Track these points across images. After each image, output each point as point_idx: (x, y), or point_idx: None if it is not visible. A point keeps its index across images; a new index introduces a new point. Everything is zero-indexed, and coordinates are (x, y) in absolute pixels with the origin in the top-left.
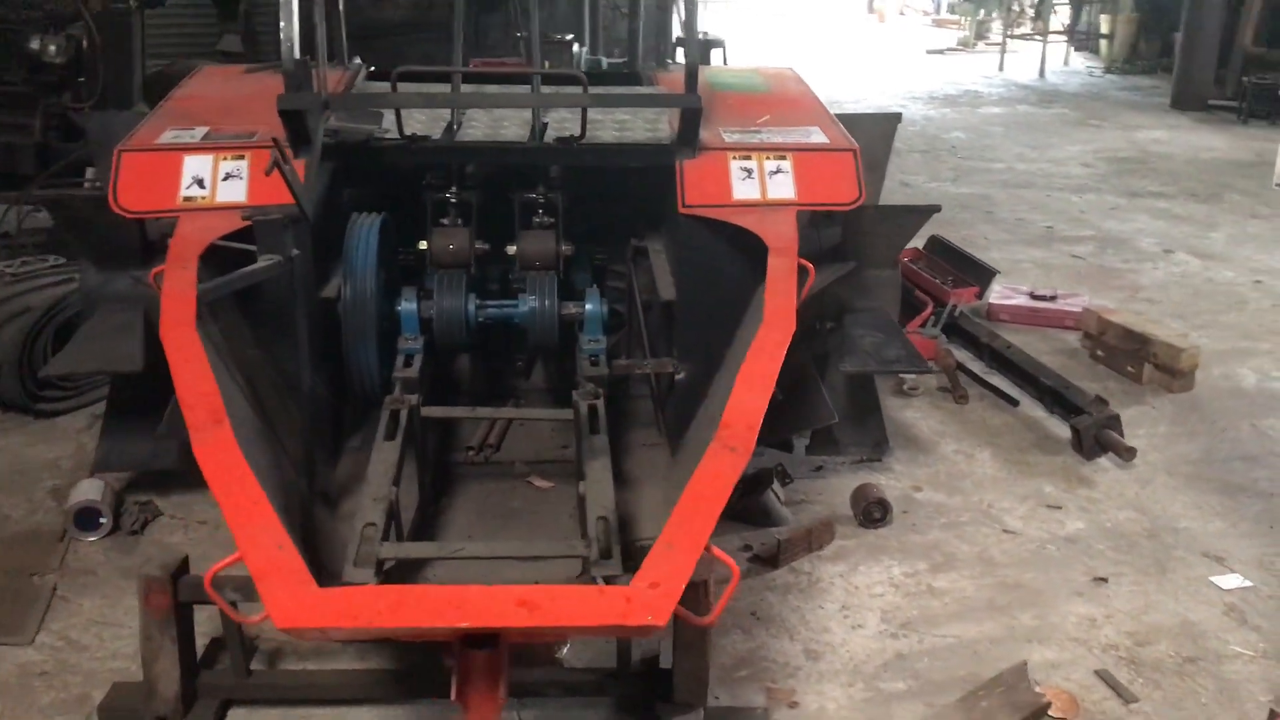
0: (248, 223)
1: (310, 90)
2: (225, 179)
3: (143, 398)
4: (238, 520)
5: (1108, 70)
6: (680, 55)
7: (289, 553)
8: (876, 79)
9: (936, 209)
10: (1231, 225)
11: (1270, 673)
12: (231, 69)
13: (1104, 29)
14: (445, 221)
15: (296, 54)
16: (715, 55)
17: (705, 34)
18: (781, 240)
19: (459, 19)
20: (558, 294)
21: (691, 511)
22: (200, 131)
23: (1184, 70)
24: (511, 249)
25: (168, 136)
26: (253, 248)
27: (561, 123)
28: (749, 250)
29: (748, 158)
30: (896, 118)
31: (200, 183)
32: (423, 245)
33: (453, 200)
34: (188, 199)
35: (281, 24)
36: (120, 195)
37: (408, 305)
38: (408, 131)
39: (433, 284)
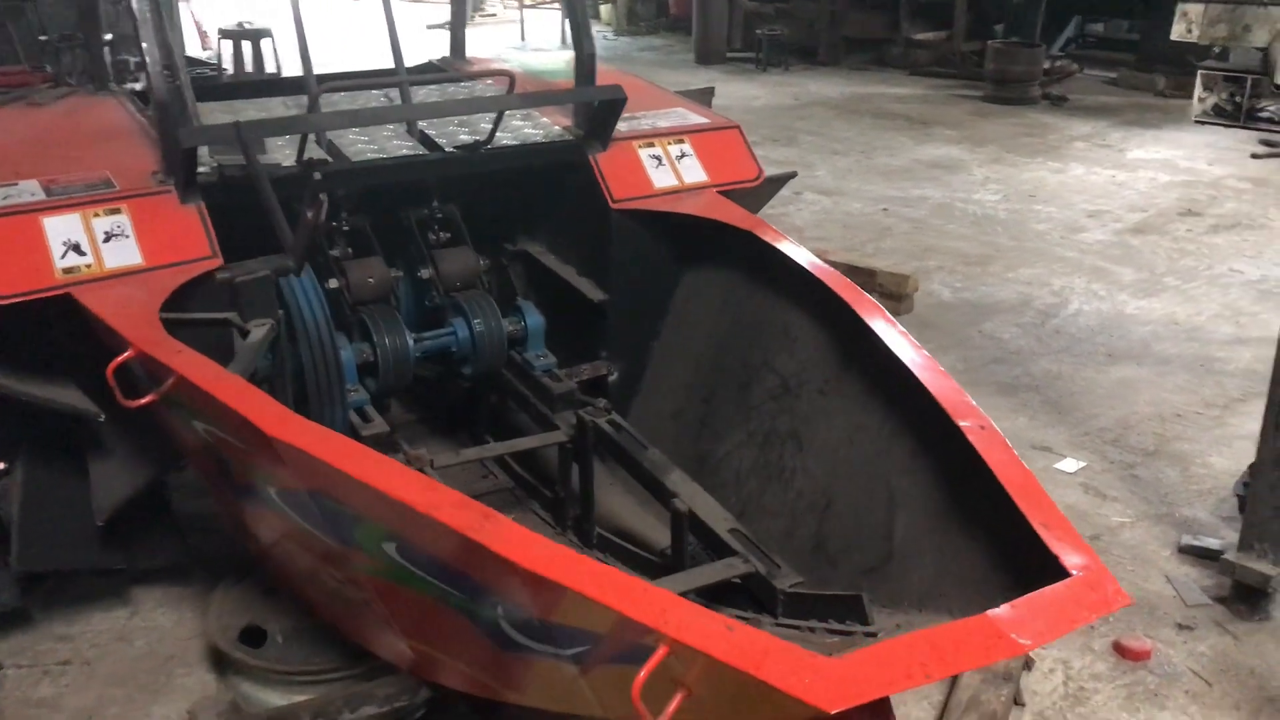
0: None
1: (189, 120)
2: (106, 240)
3: None
4: (639, 602)
5: (619, 34)
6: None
7: (749, 629)
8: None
9: (793, 174)
10: (825, 164)
11: (1155, 530)
12: None
13: None
14: (348, 253)
15: (174, 79)
16: (265, 46)
17: (249, 23)
18: (749, 220)
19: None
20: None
21: (1033, 499)
22: (31, 185)
23: (702, 29)
24: (425, 272)
25: None
26: (207, 315)
27: (437, 129)
28: (677, 240)
29: (651, 145)
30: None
31: (77, 248)
32: (333, 283)
33: (345, 229)
34: (68, 270)
35: (144, 44)
36: None
37: (345, 353)
38: (280, 159)
39: (367, 325)
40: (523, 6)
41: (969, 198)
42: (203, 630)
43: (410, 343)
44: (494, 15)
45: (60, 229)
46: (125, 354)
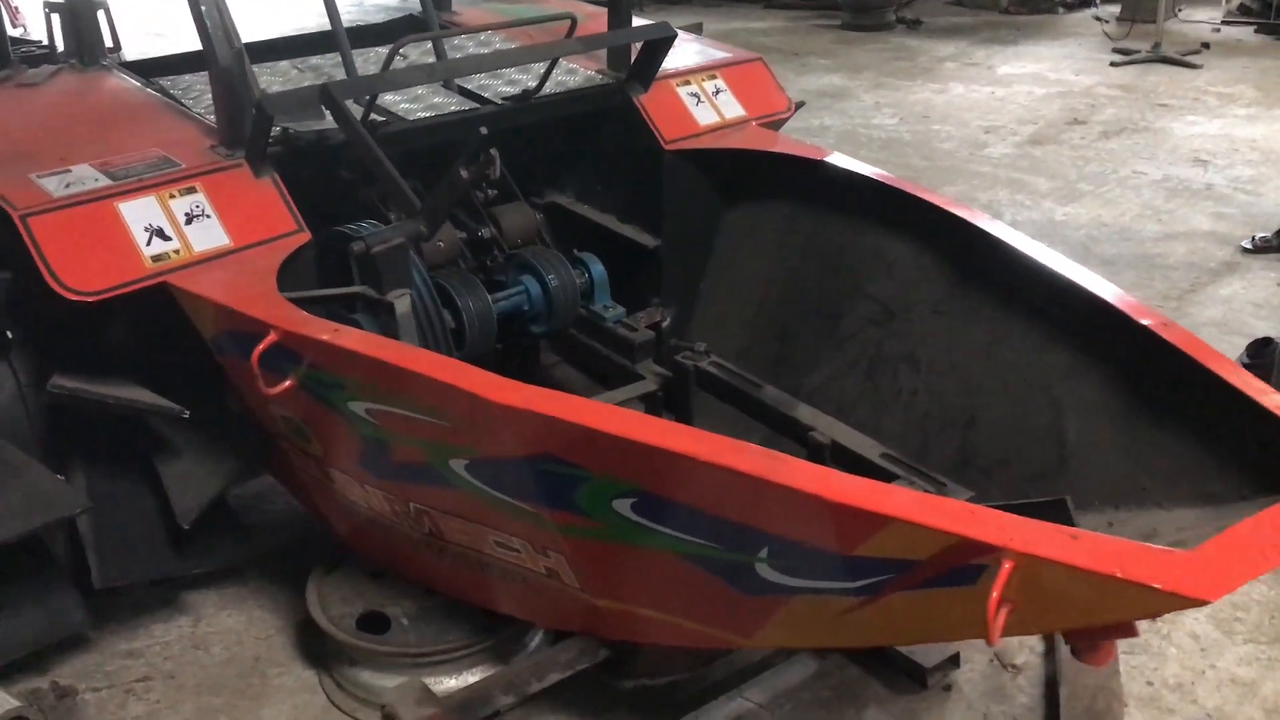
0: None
1: (247, 85)
2: (189, 223)
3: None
4: (975, 523)
5: None
6: None
7: (1090, 535)
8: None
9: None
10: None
11: None
12: None
13: None
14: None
15: (233, 43)
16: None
17: None
18: (815, 150)
19: None
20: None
21: (1252, 384)
22: (87, 170)
23: None
24: (485, 231)
25: (51, 185)
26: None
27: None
28: (723, 177)
29: (687, 82)
30: None
31: (160, 234)
32: None
33: None
34: (157, 258)
35: (202, 7)
36: (64, 274)
37: None
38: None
39: (448, 290)
40: None
41: (869, 123)
42: (312, 622)
43: (493, 305)
44: None
45: (139, 214)
46: (269, 338)
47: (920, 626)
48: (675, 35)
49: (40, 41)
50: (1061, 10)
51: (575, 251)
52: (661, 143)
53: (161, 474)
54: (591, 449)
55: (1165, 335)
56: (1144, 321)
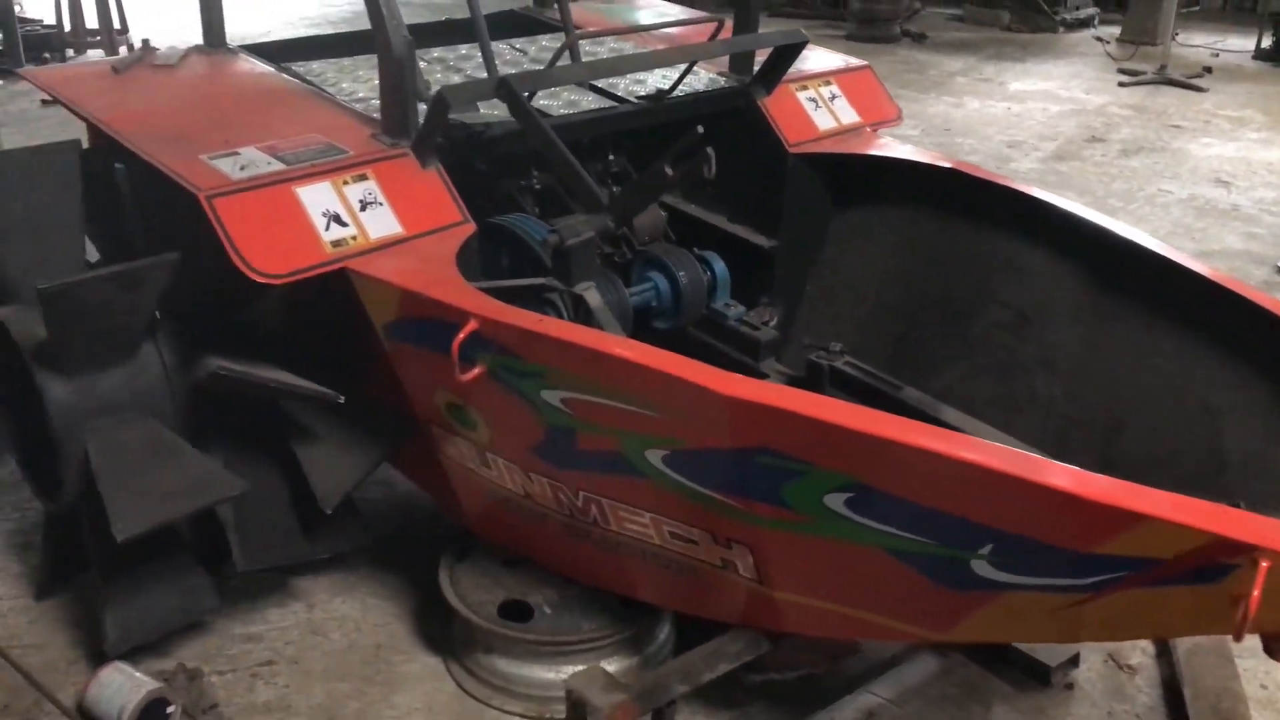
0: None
1: (415, 76)
2: (363, 209)
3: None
4: (1229, 522)
5: None
6: None
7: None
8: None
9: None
10: None
11: None
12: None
13: None
14: (535, 213)
15: (405, 34)
16: None
17: None
18: (940, 157)
19: None
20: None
21: None
22: (255, 154)
23: None
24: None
25: (225, 166)
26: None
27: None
28: (838, 180)
29: (805, 87)
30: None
31: (337, 219)
32: None
33: (537, 187)
34: (336, 243)
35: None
36: (251, 256)
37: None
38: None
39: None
40: None
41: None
42: (431, 608)
43: (630, 300)
44: None
45: (317, 199)
46: (469, 325)
47: (1141, 623)
48: (806, 42)
49: (42, 20)
50: (1062, 29)
51: (695, 250)
52: (785, 146)
53: (301, 459)
54: (818, 443)
55: None
56: None
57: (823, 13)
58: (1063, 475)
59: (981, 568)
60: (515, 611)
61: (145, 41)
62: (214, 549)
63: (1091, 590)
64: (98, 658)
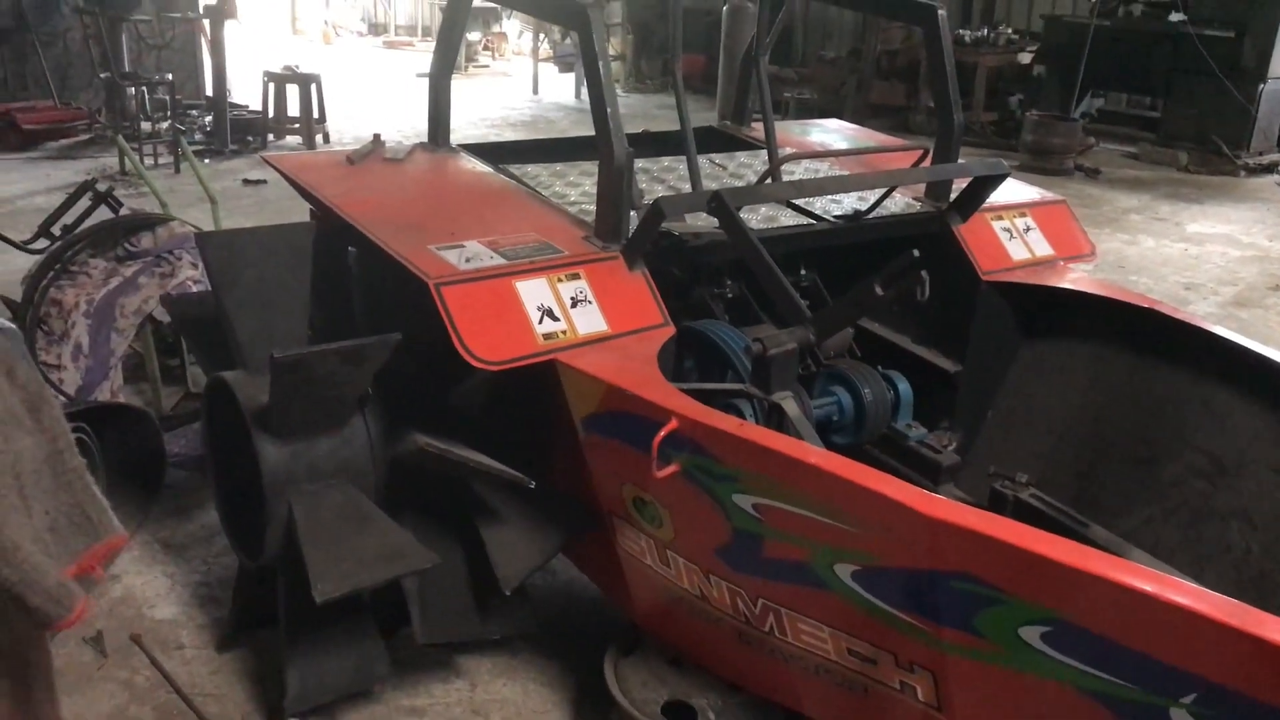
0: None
1: (632, 185)
2: (574, 306)
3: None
4: None
5: (629, 91)
6: None
7: None
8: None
9: None
10: None
11: None
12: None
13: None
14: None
15: (625, 145)
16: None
17: (295, 67)
18: (1141, 297)
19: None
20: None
21: None
22: (479, 249)
23: (727, 90)
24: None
25: (452, 257)
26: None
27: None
28: (1027, 311)
29: (1000, 218)
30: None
31: (550, 314)
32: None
33: (729, 295)
34: (548, 336)
35: (608, 109)
36: (472, 343)
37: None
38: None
39: None
40: (537, 60)
41: None
42: (588, 701)
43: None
44: (486, 67)
45: (533, 293)
46: (670, 424)
47: None
48: (1008, 174)
49: (247, 106)
50: (1243, 174)
51: (880, 368)
52: (979, 272)
53: (486, 539)
54: (1022, 573)
55: None
56: None
57: (994, 142)
58: None
59: (1182, 716)
60: (678, 713)
61: (376, 136)
62: (387, 619)
63: None
64: (273, 713)
